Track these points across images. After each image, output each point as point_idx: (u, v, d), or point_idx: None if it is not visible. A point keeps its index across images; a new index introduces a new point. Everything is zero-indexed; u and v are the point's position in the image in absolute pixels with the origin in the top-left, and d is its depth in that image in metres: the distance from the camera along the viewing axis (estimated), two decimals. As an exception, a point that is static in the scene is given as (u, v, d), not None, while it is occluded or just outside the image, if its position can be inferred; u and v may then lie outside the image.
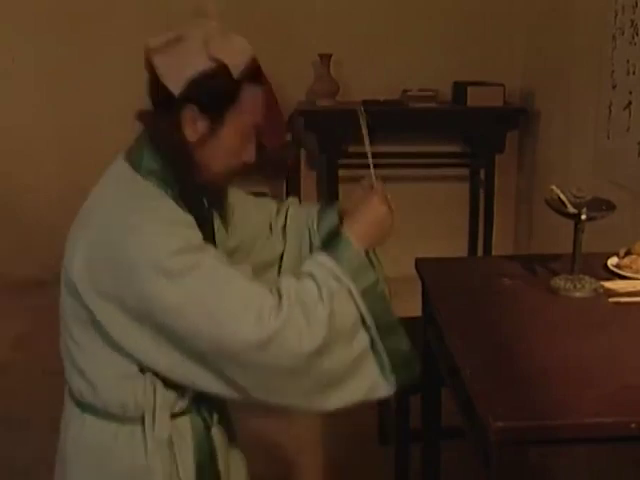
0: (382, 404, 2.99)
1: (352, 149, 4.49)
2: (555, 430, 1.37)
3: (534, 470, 1.38)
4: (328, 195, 4.41)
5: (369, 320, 1.47)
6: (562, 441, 1.38)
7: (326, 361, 1.41)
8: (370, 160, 1.69)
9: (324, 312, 1.39)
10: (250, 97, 1.46)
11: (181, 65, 1.41)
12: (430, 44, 4.53)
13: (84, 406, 1.51)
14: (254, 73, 1.47)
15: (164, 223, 1.38)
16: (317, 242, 1.72)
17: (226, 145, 1.47)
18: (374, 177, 1.65)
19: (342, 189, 4.42)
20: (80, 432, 1.52)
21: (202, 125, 1.44)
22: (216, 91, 1.42)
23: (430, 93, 4.37)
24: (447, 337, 1.79)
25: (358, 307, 1.45)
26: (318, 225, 1.74)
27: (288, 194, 4.49)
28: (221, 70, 1.41)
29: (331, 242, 1.53)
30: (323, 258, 1.47)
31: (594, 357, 1.61)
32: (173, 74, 1.41)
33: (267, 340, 1.34)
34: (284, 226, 1.78)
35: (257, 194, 4.83)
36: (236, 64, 1.42)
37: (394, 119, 4.34)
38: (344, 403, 1.48)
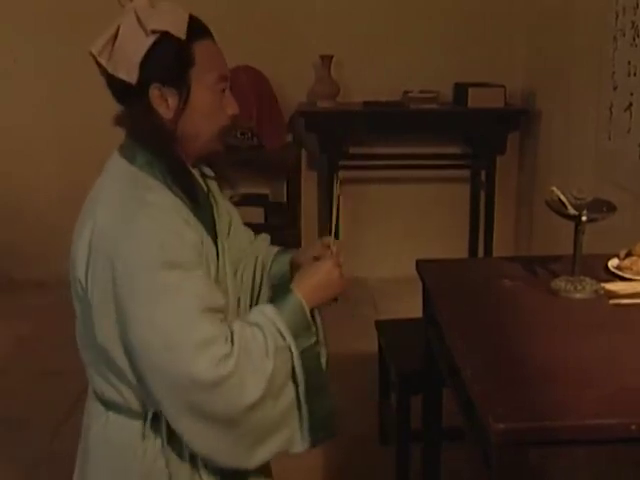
0: (383, 404, 2.99)
1: (352, 150, 4.50)
2: (555, 431, 1.37)
3: (534, 471, 1.38)
4: (328, 196, 4.41)
5: (300, 380, 1.48)
6: (562, 442, 1.38)
7: (259, 415, 1.41)
8: (333, 221, 1.69)
9: (269, 367, 1.40)
10: (205, 52, 1.46)
11: (127, 54, 1.41)
12: (431, 45, 4.53)
13: (108, 404, 1.50)
14: (198, 28, 1.46)
15: (159, 229, 1.37)
16: (266, 285, 1.75)
17: (203, 107, 1.46)
18: (333, 238, 1.66)
19: (342, 190, 4.42)
20: (103, 429, 1.50)
21: (172, 99, 1.44)
22: (170, 60, 1.42)
23: (431, 94, 4.37)
24: (448, 338, 1.79)
25: (294, 366, 1.47)
26: (271, 267, 1.75)
27: (289, 195, 4.49)
28: (165, 39, 1.41)
29: (281, 296, 1.53)
30: (272, 313, 1.47)
31: (594, 358, 1.61)
32: (123, 66, 1.41)
33: (212, 385, 1.33)
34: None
35: (258, 195, 4.85)
36: (177, 27, 1.42)
37: (395, 120, 4.34)
38: (264, 458, 1.49)
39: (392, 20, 4.51)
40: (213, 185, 1.66)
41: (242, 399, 1.36)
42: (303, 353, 1.47)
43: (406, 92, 4.41)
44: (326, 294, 1.58)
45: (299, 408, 1.51)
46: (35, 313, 4.23)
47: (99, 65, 1.44)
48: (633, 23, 3.00)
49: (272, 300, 1.58)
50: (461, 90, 4.40)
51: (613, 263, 2.13)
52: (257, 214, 4.57)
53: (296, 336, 1.46)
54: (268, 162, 4.29)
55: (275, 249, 1.81)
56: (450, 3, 4.49)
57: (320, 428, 1.54)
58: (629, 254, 2.14)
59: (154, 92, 1.43)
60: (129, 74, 1.41)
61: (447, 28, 4.51)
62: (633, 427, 1.35)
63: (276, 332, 1.44)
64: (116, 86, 1.45)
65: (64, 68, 4.47)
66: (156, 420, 1.46)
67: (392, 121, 4.34)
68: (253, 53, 4.28)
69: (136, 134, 1.46)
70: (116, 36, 1.43)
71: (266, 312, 1.47)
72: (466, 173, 4.73)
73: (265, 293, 1.75)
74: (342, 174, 4.41)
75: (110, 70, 1.43)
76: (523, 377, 1.53)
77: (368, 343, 3.36)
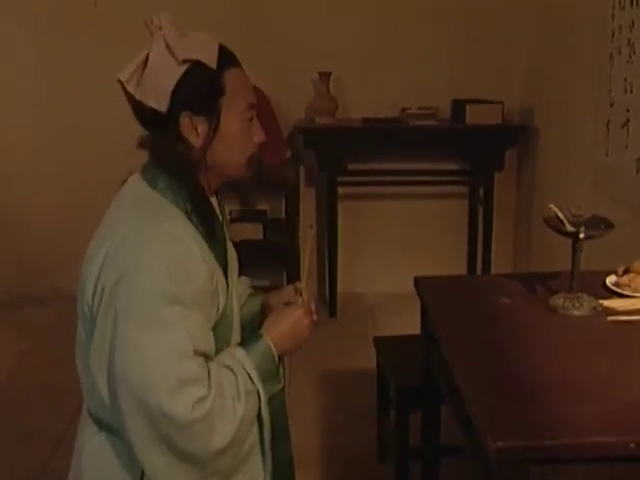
0: (381, 421, 2.98)
1: (351, 166, 4.51)
2: (554, 449, 1.37)
3: (533, 489, 1.38)
4: (327, 212, 4.42)
5: (267, 426, 1.51)
6: (561, 460, 1.38)
7: (225, 458, 1.42)
8: (305, 267, 1.70)
9: (240, 411, 1.41)
10: (234, 81, 1.47)
11: (157, 82, 1.42)
12: (429, 62, 4.55)
13: (101, 423, 1.50)
14: (227, 57, 1.47)
15: (172, 261, 1.37)
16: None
17: (233, 135, 1.48)
18: (304, 285, 1.67)
19: (341, 206, 4.44)
20: (97, 449, 1.50)
21: (202, 127, 1.45)
22: (201, 90, 1.43)
23: (429, 111, 4.38)
24: (446, 355, 1.79)
25: (261, 412, 1.49)
26: (241, 308, 1.75)
27: (287, 211, 4.49)
28: (197, 68, 1.42)
29: (251, 340, 1.54)
30: (242, 356, 1.48)
31: (593, 376, 1.61)
32: (154, 94, 1.42)
33: (184, 425, 1.34)
34: None
35: (256, 211, 4.83)
36: (208, 56, 1.43)
37: (393, 137, 4.35)
38: None
39: (390, 37, 4.53)
40: (225, 214, 1.67)
41: (211, 444, 1.37)
42: (270, 399, 1.50)
43: (404, 109, 4.42)
44: (294, 342, 1.59)
45: (263, 452, 1.54)
46: (35, 328, 4.22)
47: (126, 92, 1.45)
48: (629, 40, 3.01)
49: (241, 341, 1.59)
50: (459, 106, 4.41)
51: (611, 280, 2.13)
52: (256, 230, 4.58)
53: (264, 381, 1.48)
54: (267, 178, 4.30)
55: (248, 291, 1.82)
56: (448, 20, 4.51)
57: (282, 473, 1.57)
58: (627, 271, 2.14)
59: (184, 120, 1.43)
60: (159, 102, 1.42)
61: (445, 45, 4.53)
62: (632, 445, 1.35)
63: (247, 377, 1.46)
64: (144, 113, 1.45)
65: (64, 68, 4.49)
66: None
67: (390, 137, 4.35)
68: (252, 69, 4.21)
69: (161, 161, 1.47)
70: (145, 64, 1.43)
71: (237, 355, 1.48)
72: (464, 189, 4.73)
73: None
74: (341, 190, 4.42)
75: (138, 97, 1.43)
76: (522, 394, 1.53)
77: (366, 359, 3.36)
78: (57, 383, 3.41)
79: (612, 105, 3.18)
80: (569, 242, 1.94)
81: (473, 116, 4.30)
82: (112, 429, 1.47)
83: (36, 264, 4.67)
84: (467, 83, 4.52)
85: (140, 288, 1.35)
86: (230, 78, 1.46)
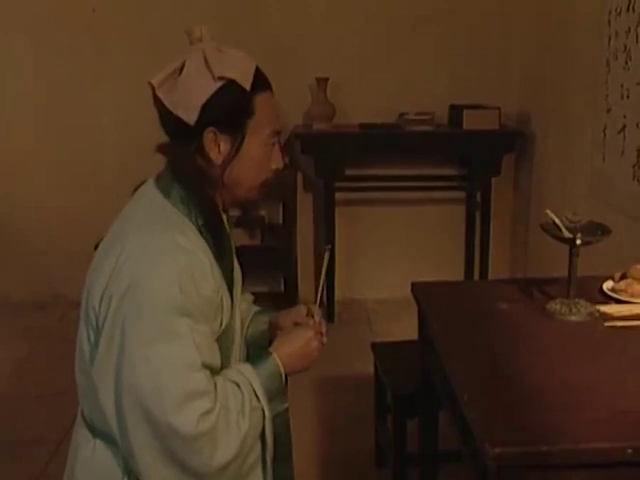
0: (379, 426, 2.98)
1: (348, 172, 4.51)
2: (552, 455, 1.37)
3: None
4: (325, 218, 4.42)
5: (269, 444, 1.50)
6: (559, 466, 1.38)
7: (227, 473, 1.42)
8: (320, 289, 1.72)
9: (244, 427, 1.41)
10: (264, 105, 1.48)
11: (190, 94, 1.42)
12: (426, 67, 4.56)
13: (95, 430, 1.50)
14: (261, 80, 1.48)
15: (182, 273, 1.37)
16: (243, 343, 1.74)
17: (252, 158, 1.48)
18: (317, 306, 1.68)
19: (338, 211, 4.44)
20: (90, 456, 1.50)
21: (225, 145, 1.45)
22: (232, 108, 1.43)
23: (426, 116, 4.39)
24: (444, 361, 1.79)
25: (264, 430, 1.48)
26: (249, 325, 1.75)
27: (285, 217, 4.50)
28: (231, 86, 1.42)
29: (259, 357, 1.54)
30: (249, 373, 1.48)
31: (590, 381, 1.61)
32: (184, 104, 1.42)
33: (190, 438, 1.34)
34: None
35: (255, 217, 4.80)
36: (244, 77, 1.43)
37: (391, 142, 4.36)
38: None
39: (388, 42, 4.54)
40: (232, 228, 1.67)
41: (213, 459, 1.37)
42: (275, 418, 1.49)
43: (402, 114, 4.43)
44: (302, 363, 1.59)
45: (264, 472, 1.53)
46: (34, 334, 4.21)
47: (155, 97, 1.44)
48: (625, 46, 3.02)
49: (248, 358, 1.59)
50: (456, 112, 4.42)
51: (608, 285, 2.13)
52: (253, 235, 4.57)
53: (270, 400, 1.48)
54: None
55: (255, 308, 1.81)
56: (446, 26, 4.52)
57: None
58: (624, 276, 2.15)
59: (209, 135, 1.43)
60: (188, 114, 1.42)
61: (442, 50, 4.55)
62: (630, 451, 1.36)
63: (252, 392, 1.45)
64: (170, 121, 1.45)
65: (63, 73, 4.50)
66: None
67: (388, 143, 4.35)
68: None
69: (179, 171, 1.46)
70: (180, 72, 1.43)
71: (244, 371, 1.48)
72: (461, 195, 4.74)
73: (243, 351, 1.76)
74: (338, 195, 4.42)
75: (167, 104, 1.43)
76: (519, 400, 1.53)
77: (364, 365, 3.36)
78: (56, 390, 3.41)
79: (609, 111, 3.19)
80: (566, 248, 1.94)
81: (470, 121, 4.31)
82: (106, 436, 1.46)
83: (37, 269, 4.67)
84: (464, 89, 4.53)
85: (150, 299, 1.34)
86: (260, 101, 1.47)
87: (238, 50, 1.49)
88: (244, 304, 1.78)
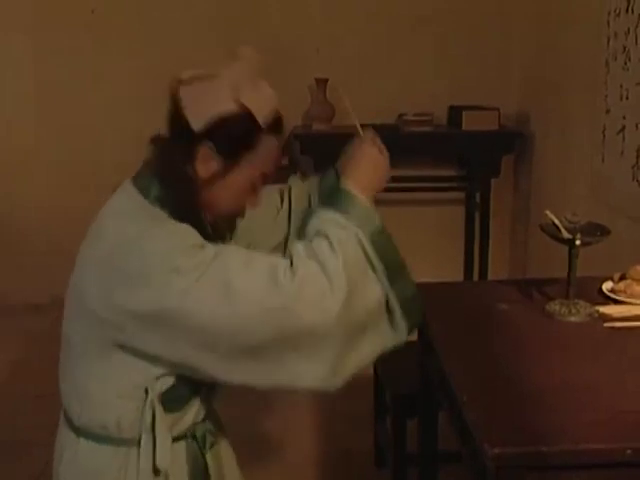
0: (378, 427, 2.98)
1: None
2: (551, 456, 1.37)
3: (530, 496, 1.38)
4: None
5: (378, 266, 1.46)
6: (558, 467, 1.38)
7: (351, 315, 1.39)
8: (353, 116, 1.70)
9: (338, 263, 1.38)
10: (268, 147, 1.48)
11: (206, 102, 1.42)
12: (425, 68, 4.56)
13: (79, 430, 1.51)
14: (276, 124, 1.48)
15: (175, 230, 1.40)
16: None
17: (234, 189, 1.48)
18: (359, 129, 1.67)
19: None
20: (75, 456, 1.52)
21: (215, 165, 1.44)
22: (236, 135, 1.43)
23: (426, 117, 4.39)
24: (443, 361, 1.79)
25: (367, 253, 1.45)
26: (319, 189, 1.73)
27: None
28: (245, 116, 1.42)
29: (331, 198, 1.52)
30: (325, 212, 1.47)
31: (589, 382, 1.61)
32: (196, 109, 1.42)
33: (290, 301, 1.34)
34: (289, 210, 1.77)
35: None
36: (261, 112, 1.44)
37: (390, 143, 4.28)
38: (358, 367, 1.48)
39: (387, 43, 4.54)
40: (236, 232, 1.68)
41: (327, 304, 1.35)
42: (373, 238, 1.46)
43: (401, 115, 4.43)
44: (374, 175, 1.62)
45: (386, 299, 1.48)
46: (30, 336, 4.21)
47: (172, 91, 1.45)
48: (624, 47, 3.03)
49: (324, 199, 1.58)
50: (455, 113, 4.42)
51: (607, 286, 2.13)
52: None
53: (360, 224, 1.45)
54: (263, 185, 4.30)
55: (316, 179, 1.78)
56: (445, 27, 4.53)
57: (410, 312, 1.51)
58: (623, 277, 2.15)
59: (204, 149, 1.43)
60: (196, 121, 1.42)
61: (441, 51, 4.55)
62: (629, 452, 1.36)
63: (336, 226, 1.43)
64: (177, 120, 1.45)
65: (62, 73, 4.50)
66: (130, 444, 1.47)
67: (387, 144, 4.27)
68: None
69: (163, 167, 1.46)
70: (207, 79, 1.44)
71: (320, 214, 1.48)
72: (461, 195, 4.74)
73: None
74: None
75: (182, 104, 1.43)
76: (519, 401, 1.53)
77: (364, 365, 3.35)
78: (53, 391, 3.40)
79: (608, 112, 3.19)
80: (565, 248, 1.94)
81: (470, 122, 4.31)
82: (91, 434, 1.48)
83: (36, 269, 4.66)
84: (463, 89, 4.53)
85: (162, 257, 1.35)
86: (266, 142, 1.47)
87: (269, 87, 1.50)
88: (295, 189, 1.78)
